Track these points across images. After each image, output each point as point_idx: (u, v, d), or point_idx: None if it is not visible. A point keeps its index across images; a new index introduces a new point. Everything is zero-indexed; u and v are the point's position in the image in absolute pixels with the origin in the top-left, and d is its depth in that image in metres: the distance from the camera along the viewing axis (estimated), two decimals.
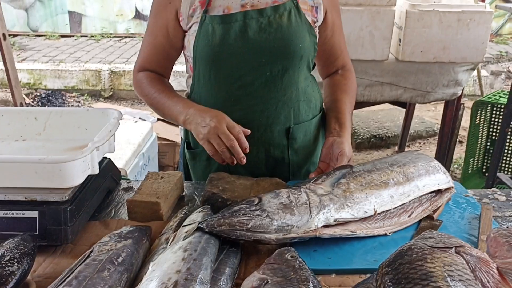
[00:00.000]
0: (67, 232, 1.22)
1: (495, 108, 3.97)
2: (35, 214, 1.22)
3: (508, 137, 3.77)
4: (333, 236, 1.23)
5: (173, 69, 1.71)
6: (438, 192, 1.41)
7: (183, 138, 1.76)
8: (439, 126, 4.35)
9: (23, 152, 1.44)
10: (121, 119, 1.47)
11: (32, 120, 1.53)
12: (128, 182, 1.65)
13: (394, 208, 1.32)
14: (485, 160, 4.12)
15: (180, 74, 5.63)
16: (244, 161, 1.38)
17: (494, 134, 4.01)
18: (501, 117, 3.83)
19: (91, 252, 1.06)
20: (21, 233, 1.15)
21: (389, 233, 1.29)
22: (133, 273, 1.06)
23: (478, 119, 4.02)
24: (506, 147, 3.84)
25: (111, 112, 1.48)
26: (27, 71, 6.41)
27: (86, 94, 6.36)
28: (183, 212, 1.35)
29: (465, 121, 4.38)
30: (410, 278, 0.88)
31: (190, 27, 1.51)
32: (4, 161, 1.23)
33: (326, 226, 1.23)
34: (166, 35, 1.55)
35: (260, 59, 1.48)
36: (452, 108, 4.00)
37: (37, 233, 1.21)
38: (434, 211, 1.37)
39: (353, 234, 1.25)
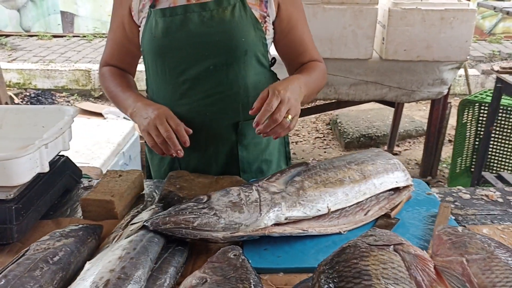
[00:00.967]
0: (13, 230, 1.20)
1: (482, 107, 3.94)
2: None
3: (493, 135, 3.75)
4: (283, 235, 1.20)
5: None
6: (397, 190, 1.39)
7: None
8: None
9: None
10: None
11: None
12: (89, 181, 1.63)
13: (349, 206, 1.30)
14: (473, 159, 4.09)
15: None
16: (181, 154, 1.36)
17: (482, 133, 3.98)
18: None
19: (26, 250, 1.03)
20: None
21: (344, 232, 1.26)
22: (70, 273, 1.04)
23: (466, 118, 3.98)
24: (491, 146, 3.81)
25: (67, 110, 1.46)
26: (16, 71, 6.40)
27: (76, 94, 6.34)
28: (136, 211, 1.33)
29: (455, 120, 4.35)
30: (343, 277, 0.86)
31: (141, 22, 1.52)
32: None
33: (277, 224, 1.21)
34: (123, 31, 1.58)
35: (202, 53, 1.47)
36: (438, 107, 3.98)
37: None
38: (392, 209, 1.35)
39: (304, 233, 1.22)
